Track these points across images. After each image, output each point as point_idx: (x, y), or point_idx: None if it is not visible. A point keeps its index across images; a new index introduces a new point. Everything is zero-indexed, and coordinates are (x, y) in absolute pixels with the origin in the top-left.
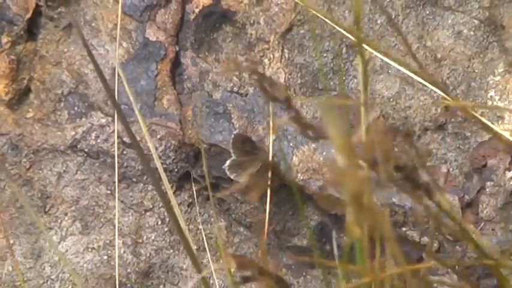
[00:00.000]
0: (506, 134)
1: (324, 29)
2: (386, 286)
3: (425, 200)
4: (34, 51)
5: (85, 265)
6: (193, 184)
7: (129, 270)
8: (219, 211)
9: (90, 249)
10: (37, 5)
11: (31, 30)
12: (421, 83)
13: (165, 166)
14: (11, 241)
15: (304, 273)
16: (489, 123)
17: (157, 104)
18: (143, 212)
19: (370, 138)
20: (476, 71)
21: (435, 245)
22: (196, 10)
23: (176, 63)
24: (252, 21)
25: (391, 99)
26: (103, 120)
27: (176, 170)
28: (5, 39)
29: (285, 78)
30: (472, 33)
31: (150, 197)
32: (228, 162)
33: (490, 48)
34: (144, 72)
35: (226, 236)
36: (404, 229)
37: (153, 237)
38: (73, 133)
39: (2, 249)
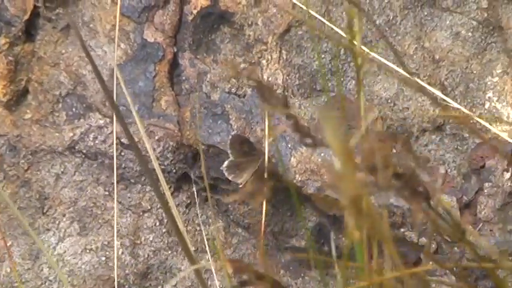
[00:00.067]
0: (504, 135)
1: (322, 30)
2: None
3: (424, 205)
4: (32, 53)
5: (83, 266)
6: (193, 185)
7: (127, 271)
8: (217, 212)
9: (88, 251)
10: (35, 6)
11: (29, 32)
12: (419, 84)
13: (163, 167)
14: (9, 242)
15: (302, 274)
16: (487, 125)
17: (156, 105)
18: (141, 213)
19: (369, 144)
20: (475, 72)
21: (433, 246)
22: (194, 11)
23: (174, 65)
24: (250, 23)
25: (389, 101)
26: (101, 122)
27: (174, 171)
28: (2, 41)
29: (283, 80)
30: (470, 34)
31: (148, 198)
32: (226, 163)
33: (488, 50)
34: (142, 73)
35: (225, 237)
36: (402, 230)
37: (151, 239)
38: (71, 134)
39: (0, 250)
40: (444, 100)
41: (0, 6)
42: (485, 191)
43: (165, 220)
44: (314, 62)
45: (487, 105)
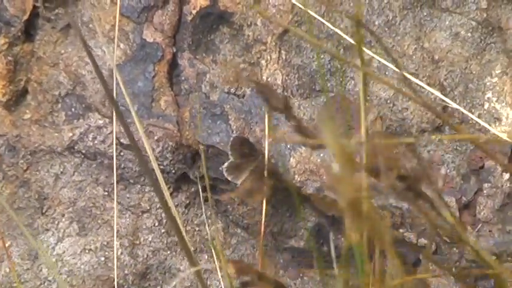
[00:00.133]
0: (504, 136)
1: (321, 30)
2: None
3: (427, 207)
4: (31, 53)
5: (82, 266)
6: (192, 186)
7: (126, 271)
8: (216, 212)
9: (87, 251)
10: (34, 7)
11: (28, 32)
12: (418, 84)
13: (162, 167)
14: (8, 242)
15: (301, 275)
16: (486, 125)
17: (155, 106)
18: (140, 214)
19: (373, 145)
20: (474, 72)
21: (432, 246)
22: (194, 11)
23: (173, 65)
24: (249, 23)
25: (388, 101)
26: (100, 122)
27: (173, 171)
28: (2, 41)
29: (282, 80)
30: (469, 34)
31: (148, 198)
32: (226, 164)
33: (488, 50)
34: (141, 73)
35: (224, 238)
36: (401, 231)
37: (150, 239)
38: (70, 134)
39: None
40: (443, 101)
41: None
42: (485, 191)
43: (164, 220)
44: (313, 62)
45: (486, 106)
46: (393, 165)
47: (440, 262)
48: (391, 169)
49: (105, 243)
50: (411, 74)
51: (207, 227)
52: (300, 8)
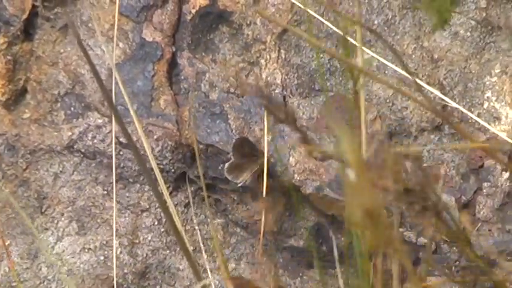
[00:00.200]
0: (503, 135)
1: (321, 29)
2: None
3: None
4: (30, 52)
5: (81, 266)
6: (192, 185)
7: (125, 270)
8: (215, 212)
9: (86, 250)
10: (33, 6)
11: (27, 31)
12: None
13: (161, 167)
14: (7, 242)
15: (300, 274)
16: (486, 124)
17: (154, 105)
18: (140, 213)
19: (380, 159)
20: (473, 71)
21: (432, 246)
22: (193, 11)
23: (173, 64)
24: (248, 22)
25: (388, 100)
26: (99, 121)
27: (173, 170)
28: (1, 40)
29: (281, 79)
30: (468, 34)
31: (147, 197)
32: (227, 165)
33: (487, 49)
34: (140, 72)
35: (223, 237)
36: (401, 230)
37: (149, 238)
38: (69, 134)
39: None
40: (443, 100)
41: None
42: (484, 190)
43: (164, 219)
44: (313, 61)
45: (485, 105)
46: (399, 179)
47: (440, 262)
48: (398, 182)
49: (105, 242)
50: (411, 73)
51: (206, 226)
52: (299, 7)
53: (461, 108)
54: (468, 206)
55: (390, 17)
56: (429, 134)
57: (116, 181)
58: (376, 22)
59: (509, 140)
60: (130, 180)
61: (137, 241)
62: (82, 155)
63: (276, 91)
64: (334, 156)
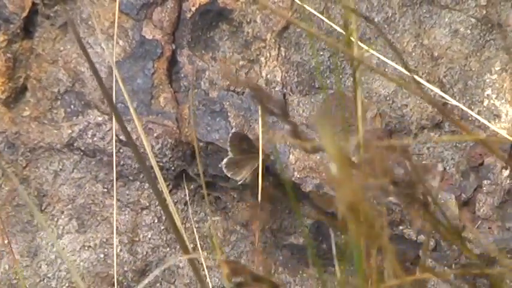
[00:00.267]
0: (503, 133)
1: (321, 27)
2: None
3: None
4: (30, 50)
5: (81, 263)
6: (192, 183)
7: (125, 268)
8: (215, 209)
9: (86, 248)
10: (33, 4)
11: (27, 29)
12: (417, 81)
13: (161, 164)
14: (7, 240)
15: (300, 272)
16: (486, 122)
17: (154, 102)
18: (140, 210)
19: (369, 153)
20: (473, 69)
21: (432, 243)
22: (193, 8)
23: (173, 62)
24: (248, 20)
25: (388, 98)
26: (99, 119)
27: (173, 168)
28: (1, 38)
29: (281, 77)
30: (468, 31)
31: (147, 195)
32: (225, 160)
33: (487, 47)
34: (140, 70)
35: (223, 235)
36: (401, 228)
37: (149, 236)
38: (69, 131)
39: None
40: (443, 97)
41: None
42: (484, 188)
43: (164, 217)
44: (313, 59)
45: (485, 103)
46: (387, 172)
47: (440, 259)
48: (385, 175)
49: (105, 240)
50: (410, 71)
51: (205, 224)
52: (299, 4)
53: (461, 105)
54: (468, 204)
55: (390, 14)
56: (429, 131)
57: (116, 179)
58: (376, 20)
59: (509, 138)
60: (130, 178)
61: (137, 239)
62: (82, 153)
63: (276, 89)
64: (323, 149)
